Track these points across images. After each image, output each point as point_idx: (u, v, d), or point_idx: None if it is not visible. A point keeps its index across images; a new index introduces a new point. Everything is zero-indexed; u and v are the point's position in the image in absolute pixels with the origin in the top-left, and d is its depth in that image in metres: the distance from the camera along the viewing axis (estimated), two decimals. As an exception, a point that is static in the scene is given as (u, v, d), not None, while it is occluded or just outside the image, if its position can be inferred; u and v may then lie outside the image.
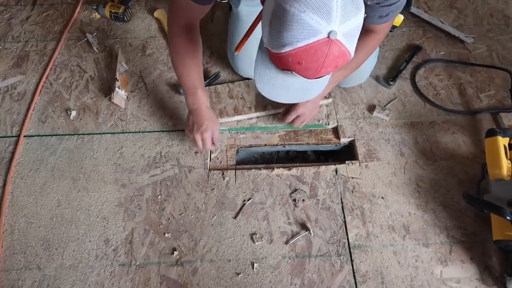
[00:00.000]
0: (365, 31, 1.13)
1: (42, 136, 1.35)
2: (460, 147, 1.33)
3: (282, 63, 0.80)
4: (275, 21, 0.76)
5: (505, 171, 1.11)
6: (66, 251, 1.14)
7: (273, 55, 0.80)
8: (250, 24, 1.31)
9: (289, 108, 1.34)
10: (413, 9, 1.68)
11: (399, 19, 1.48)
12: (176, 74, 1.21)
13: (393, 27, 1.54)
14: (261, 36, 0.85)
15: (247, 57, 1.36)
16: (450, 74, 1.52)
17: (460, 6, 1.74)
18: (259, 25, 1.30)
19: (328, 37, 0.72)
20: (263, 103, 1.39)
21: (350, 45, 0.77)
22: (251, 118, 1.39)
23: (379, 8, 0.99)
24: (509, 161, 1.13)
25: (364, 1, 0.77)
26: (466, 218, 1.19)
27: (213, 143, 1.24)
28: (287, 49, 0.75)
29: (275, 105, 1.39)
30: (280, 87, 0.90)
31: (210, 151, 1.32)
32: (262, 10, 0.87)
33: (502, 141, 1.15)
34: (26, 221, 1.19)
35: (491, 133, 1.18)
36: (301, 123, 1.34)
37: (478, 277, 1.10)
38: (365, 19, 0.87)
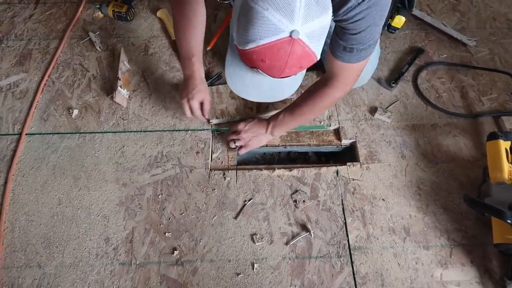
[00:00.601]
0: (326, 77, 1.09)
1: (43, 134, 1.35)
2: (462, 150, 1.33)
3: (248, 59, 0.80)
4: (242, 18, 0.77)
5: (506, 175, 1.11)
6: (66, 249, 1.14)
7: (240, 51, 0.81)
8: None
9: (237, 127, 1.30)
10: (416, 12, 1.69)
11: (400, 21, 1.48)
12: (176, 42, 1.18)
13: (395, 29, 1.54)
14: (231, 32, 0.86)
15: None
16: (452, 77, 1.52)
17: (463, 9, 1.74)
18: None
19: (290, 36, 0.72)
20: (265, 104, 1.39)
21: (315, 46, 0.76)
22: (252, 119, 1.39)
23: (344, 32, 0.93)
24: (510, 165, 1.13)
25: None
26: (466, 221, 1.19)
27: (203, 114, 1.22)
28: (251, 45, 0.75)
29: (277, 106, 1.39)
30: (251, 85, 0.90)
31: (212, 151, 1.33)
32: (232, 7, 0.88)
33: (504, 145, 1.15)
34: (27, 219, 1.19)
35: (493, 136, 1.18)
36: (240, 149, 1.29)
37: (478, 280, 1.10)
38: (329, 47, 0.85)
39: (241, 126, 1.28)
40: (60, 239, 1.16)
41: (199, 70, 1.18)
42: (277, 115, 1.23)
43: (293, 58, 0.76)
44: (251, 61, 0.80)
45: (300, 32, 0.72)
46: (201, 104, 1.20)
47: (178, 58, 1.55)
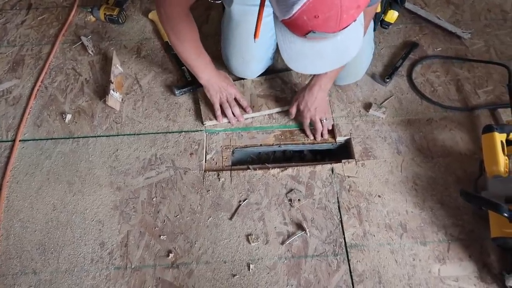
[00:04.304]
0: None
1: (37, 140, 1.35)
2: (458, 144, 1.31)
3: (299, 26, 0.73)
4: None
5: (502, 168, 1.09)
6: (61, 255, 1.14)
7: (288, 23, 0.75)
8: (243, 24, 1.31)
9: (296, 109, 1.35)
10: (410, 6, 1.67)
11: (393, 15, 1.47)
12: (181, 56, 1.27)
13: (388, 24, 1.53)
14: (273, 12, 0.81)
15: (240, 58, 1.35)
16: (447, 70, 1.50)
17: (457, 2, 1.73)
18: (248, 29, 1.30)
19: None
20: (258, 103, 1.38)
21: None
22: (246, 119, 1.38)
23: None
24: (506, 157, 1.12)
25: None
26: (464, 216, 1.18)
27: (243, 108, 1.36)
28: (296, 7, 0.69)
29: (271, 105, 1.38)
30: (313, 57, 0.82)
31: (206, 152, 1.32)
32: None
33: (499, 137, 1.13)
34: (21, 226, 1.19)
35: (488, 129, 1.16)
36: (323, 123, 1.33)
37: (476, 275, 1.09)
38: None
39: (302, 105, 1.31)
40: (55, 245, 1.15)
41: (214, 69, 1.32)
42: (317, 76, 1.26)
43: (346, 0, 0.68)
44: (304, 25, 0.72)
45: None
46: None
47: (171, 60, 1.54)
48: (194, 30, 1.22)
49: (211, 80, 1.31)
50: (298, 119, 1.36)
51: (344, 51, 0.83)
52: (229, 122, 1.35)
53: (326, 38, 0.76)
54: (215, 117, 1.35)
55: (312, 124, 1.33)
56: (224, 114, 1.34)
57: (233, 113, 1.34)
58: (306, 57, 0.83)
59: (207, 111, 1.37)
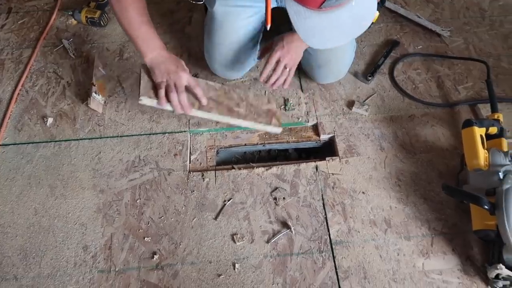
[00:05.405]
0: None
1: (18, 144, 1.33)
2: (440, 139, 1.33)
3: None
4: None
5: (482, 161, 1.11)
6: (43, 260, 1.12)
7: None
8: (226, 24, 1.32)
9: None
10: (390, 5, 1.70)
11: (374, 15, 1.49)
12: (123, 27, 1.10)
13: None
14: None
15: (224, 58, 1.35)
16: (428, 67, 1.52)
17: (436, 0, 1.76)
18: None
19: None
20: (209, 104, 1.36)
21: None
22: (192, 117, 1.35)
23: None
24: (486, 151, 1.13)
25: None
26: (447, 210, 1.19)
27: (197, 98, 1.13)
28: None
29: (221, 111, 1.33)
30: (330, 29, 0.83)
31: (190, 152, 1.31)
32: None
33: (479, 131, 1.15)
34: (2, 231, 1.16)
35: (468, 123, 1.17)
36: (284, 72, 1.22)
37: (460, 268, 1.10)
38: None
39: (279, 53, 1.20)
40: (37, 250, 1.13)
41: (163, 47, 1.12)
42: None
43: None
44: None
45: None
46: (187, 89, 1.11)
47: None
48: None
49: (156, 60, 1.11)
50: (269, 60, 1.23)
51: (360, 18, 0.84)
52: (174, 110, 1.13)
53: (341, 5, 0.77)
54: (157, 97, 1.11)
55: (275, 66, 1.22)
56: (168, 98, 1.11)
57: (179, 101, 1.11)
58: (323, 30, 0.83)
59: (148, 87, 1.13)
